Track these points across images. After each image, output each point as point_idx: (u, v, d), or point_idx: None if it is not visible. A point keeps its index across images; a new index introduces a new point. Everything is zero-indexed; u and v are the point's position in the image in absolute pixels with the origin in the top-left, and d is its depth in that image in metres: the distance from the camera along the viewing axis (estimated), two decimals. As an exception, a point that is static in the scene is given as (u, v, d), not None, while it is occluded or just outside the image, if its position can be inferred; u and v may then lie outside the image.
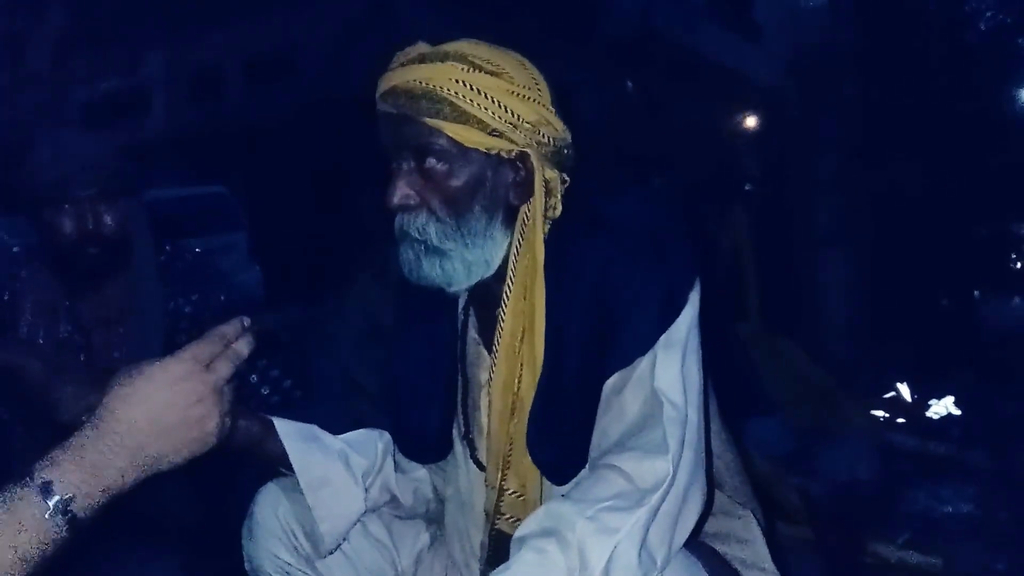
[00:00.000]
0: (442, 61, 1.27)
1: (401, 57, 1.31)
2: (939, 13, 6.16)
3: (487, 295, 1.36)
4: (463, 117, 1.25)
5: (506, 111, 1.25)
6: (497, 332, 1.31)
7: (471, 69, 1.25)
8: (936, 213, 5.38)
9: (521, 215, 1.30)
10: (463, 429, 1.46)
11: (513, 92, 1.26)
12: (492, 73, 1.26)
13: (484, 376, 1.41)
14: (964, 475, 3.36)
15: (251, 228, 9.97)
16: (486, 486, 1.41)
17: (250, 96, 15.72)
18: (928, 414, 4.07)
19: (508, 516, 1.37)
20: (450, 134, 1.26)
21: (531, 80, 1.30)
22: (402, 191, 1.30)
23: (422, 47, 1.31)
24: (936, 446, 3.68)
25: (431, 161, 1.27)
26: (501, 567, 1.11)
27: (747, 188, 7.42)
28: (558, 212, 1.32)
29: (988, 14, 6.42)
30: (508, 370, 1.31)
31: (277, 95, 14.37)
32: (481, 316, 1.43)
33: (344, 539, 1.48)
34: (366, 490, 1.48)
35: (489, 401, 1.36)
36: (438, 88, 1.24)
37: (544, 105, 1.29)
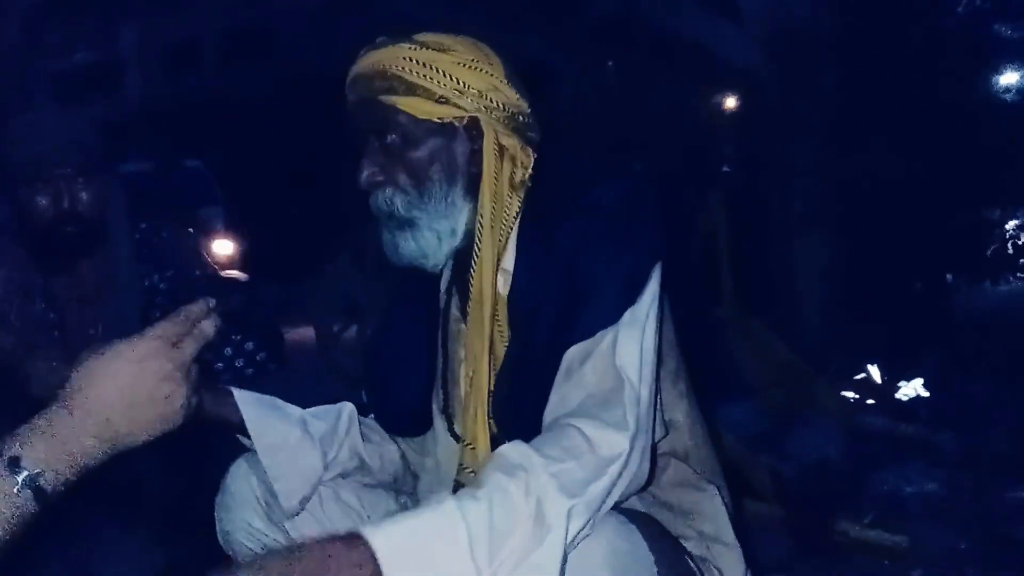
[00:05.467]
0: (394, 44, 1.37)
1: (363, 51, 1.41)
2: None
3: (465, 271, 1.41)
4: (412, 89, 1.34)
5: (451, 79, 1.35)
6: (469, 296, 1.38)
7: (419, 48, 1.36)
8: (909, 198, 5.41)
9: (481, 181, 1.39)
10: (442, 404, 1.51)
11: (459, 63, 1.36)
12: (439, 50, 1.36)
13: (465, 352, 1.46)
14: (932, 456, 3.40)
15: (227, 204, 9.90)
16: (459, 445, 1.46)
17: (227, 72, 15.55)
18: (898, 396, 4.11)
19: (466, 468, 1.43)
20: (402, 108, 1.35)
21: (481, 55, 1.39)
22: (368, 169, 1.39)
23: (381, 40, 1.41)
24: (905, 427, 3.73)
25: (390, 137, 1.37)
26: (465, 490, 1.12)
27: (722, 171, 7.45)
28: (523, 179, 1.40)
29: (966, -1, 6.43)
30: (476, 331, 1.38)
31: (254, 72, 14.23)
32: (462, 294, 1.48)
33: (312, 501, 1.51)
34: (332, 456, 1.52)
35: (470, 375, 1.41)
36: (388, 67, 1.35)
37: (495, 76, 1.38)
